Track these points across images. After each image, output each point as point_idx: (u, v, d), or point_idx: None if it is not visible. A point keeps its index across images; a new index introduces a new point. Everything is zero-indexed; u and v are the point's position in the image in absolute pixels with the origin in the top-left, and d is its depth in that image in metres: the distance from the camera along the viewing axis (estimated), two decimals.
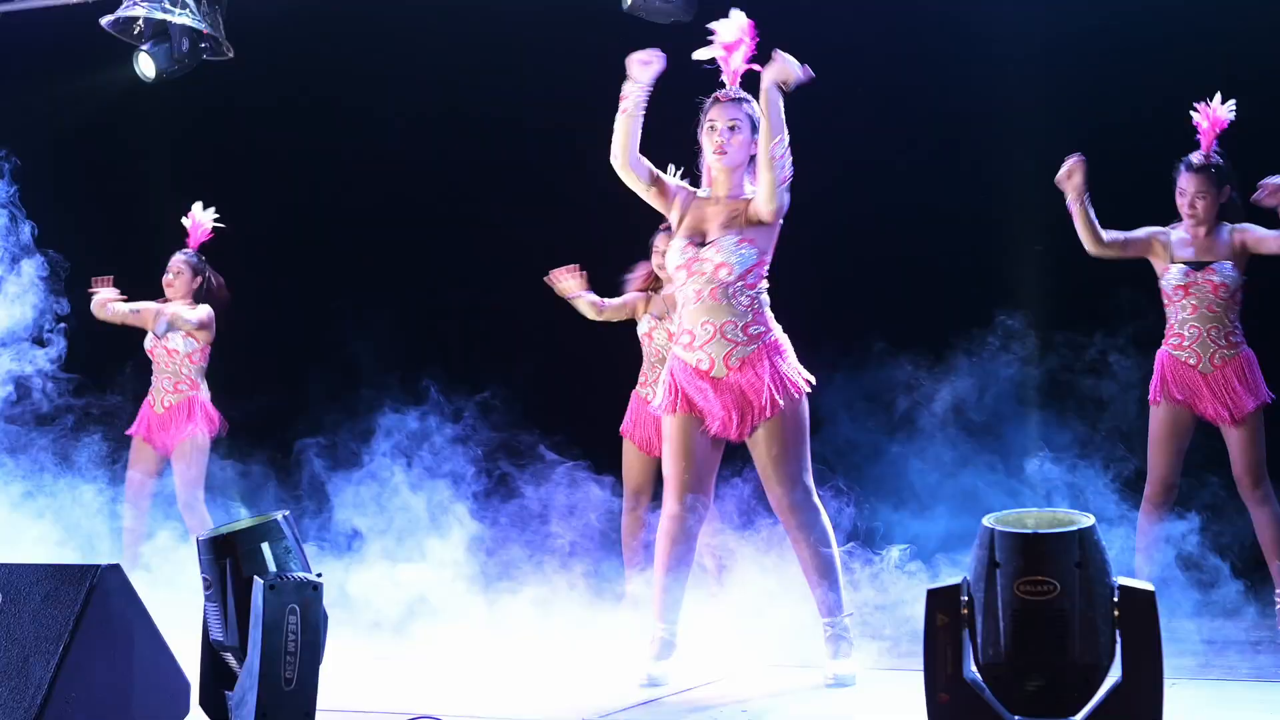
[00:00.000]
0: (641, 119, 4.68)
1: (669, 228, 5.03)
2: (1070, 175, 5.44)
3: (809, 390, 4.73)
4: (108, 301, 7.02)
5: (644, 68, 4.65)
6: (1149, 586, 3.15)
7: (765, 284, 4.74)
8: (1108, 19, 6.85)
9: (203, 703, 3.77)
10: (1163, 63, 6.59)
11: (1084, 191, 5.46)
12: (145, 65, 7.50)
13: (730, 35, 4.80)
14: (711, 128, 4.73)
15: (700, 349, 4.66)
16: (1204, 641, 5.54)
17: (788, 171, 4.62)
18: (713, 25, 4.83)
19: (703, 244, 4.67)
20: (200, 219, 7.12)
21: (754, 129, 4.71)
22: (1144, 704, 3.11)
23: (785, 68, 4.57)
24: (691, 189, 4.83)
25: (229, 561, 3.62)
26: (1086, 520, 3.24)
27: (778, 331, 4.73)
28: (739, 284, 4.64)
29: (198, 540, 3.74)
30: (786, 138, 4.59)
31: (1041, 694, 3.18)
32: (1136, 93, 6.70)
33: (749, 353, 4.64)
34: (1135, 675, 3.11)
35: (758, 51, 4.80)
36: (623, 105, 4.68)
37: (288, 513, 3.77)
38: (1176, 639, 5.53)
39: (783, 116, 4.59)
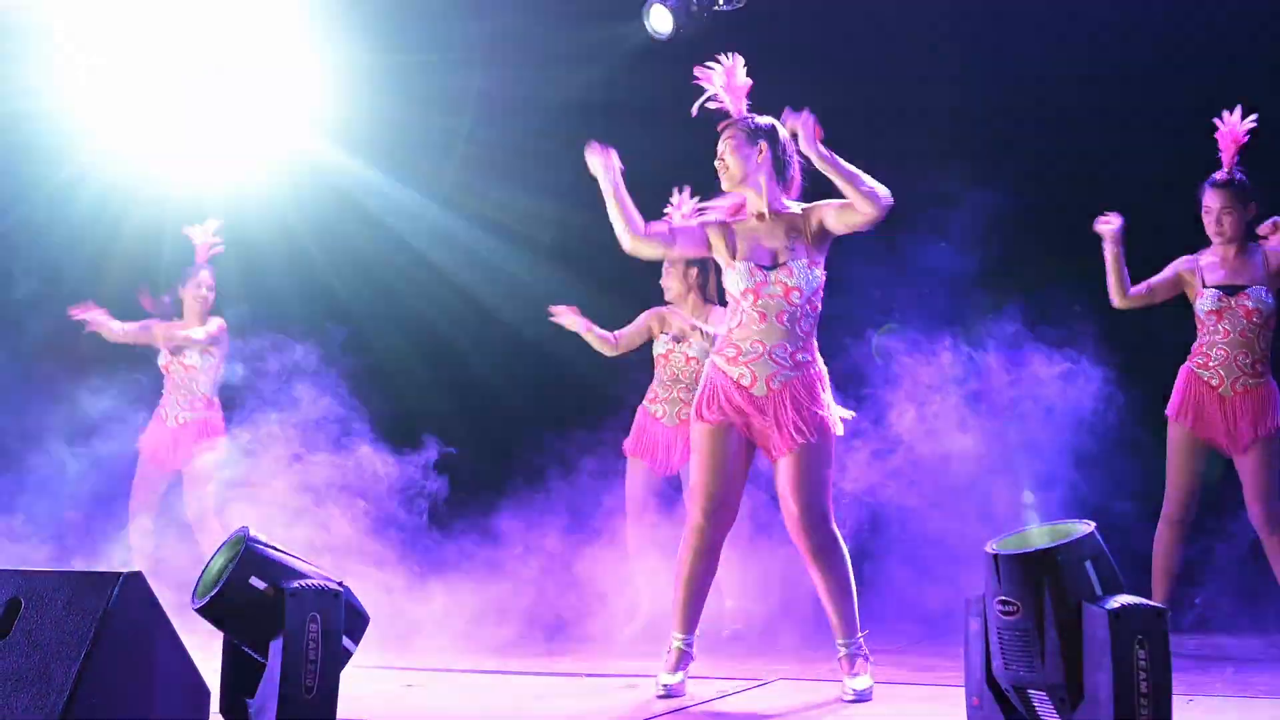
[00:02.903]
0: (626, 195, 4.65)
1: None
2: (1108, 222, 5.46)
3: (841, 429, 4.72)
4: (108, 324, 6.99)
5: (595, 165, 4.63)
6: (1110, 607, 3.08)
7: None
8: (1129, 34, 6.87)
9: (223, 709, 3.78)
10: (1185, 78, 6.60)
11: (1120, 243, 5.50)
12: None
13: (720, 81, 4.79)
14: (718, 156, 4.75)
15: (744, 364, 4.65)
16: (1222, 657, 5.55)
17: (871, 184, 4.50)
18: (699, 77, 4.81)
19: (772, 265, 4.64)
20: (203, 237, 7.10)
21: (752, 139, 4.69)
22: None
23: (795, 125, 4.50)
24: (722, 220, 4.77)
25: (235, 618, 3.63)
26: (1064, 536, 3.22)
27: (820, 363, 4.72)
28: (806, 307, 4.64)
29: (196, 612, 3.74)
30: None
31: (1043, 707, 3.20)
32: (1158, 108, 6.73)
33: (791, 378, 4.63)
34: (1096, 697, 3.08)
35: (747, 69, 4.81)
36: (604, 191, 4.65)
37: (247, 528, 3.72)
38: (1192, 655, 5.54)
39: (844, 166, 4.48)
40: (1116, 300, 5.63)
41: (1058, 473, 6.17)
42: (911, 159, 6.46)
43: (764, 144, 4.70)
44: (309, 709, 3.51)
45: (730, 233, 4.73)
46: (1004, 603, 3.18)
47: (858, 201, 4.50)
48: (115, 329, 7.02)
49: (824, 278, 4.69)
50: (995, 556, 3.21)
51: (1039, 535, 3.28)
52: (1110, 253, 5.57)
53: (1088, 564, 3.15)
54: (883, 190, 4.50)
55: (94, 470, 7.05)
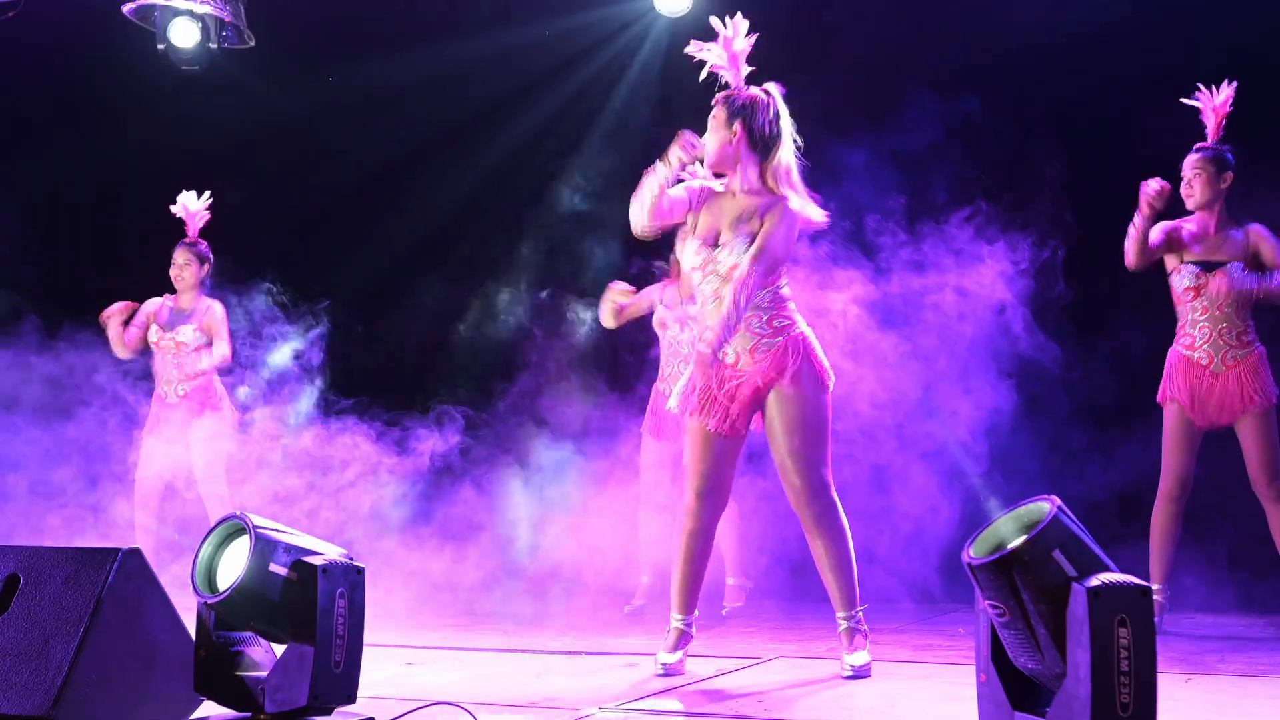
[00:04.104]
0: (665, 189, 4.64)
1: None
2: (1161, 194, 5.36)
3: (830, 387, 4.71)
4: (111, 319, 6.91)
5: (681, 159, 4.58)
6: (1090, 585, 3.02)
7: (784, 279, 4.72)
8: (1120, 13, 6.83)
9: (199, 687, 3.69)
10: (1178, 53, 6.58)
11: (1158, 212, 5.42)
12: (182, 35, 7.39)
13: (717, 53, 4.75)
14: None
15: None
16: (1221, 637, 5.55)
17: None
18: (695, 50, 4.78)
19: (715, 244, 4.65)
20: (194, 208, 6.97)
21: (730, 119, 4.64)
22: (1078, 705, 3.02)
23: None
24: (709, 186, 4.78)
25: (255, 606, 3.57)
26: (1029, 523, 3.17)
27: (803, 324, 4.70)
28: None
29: (211, 606, 3.65)
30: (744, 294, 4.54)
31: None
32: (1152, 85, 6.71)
33: (774, 345, 4.63)
34: (1076, 675, 3.04)
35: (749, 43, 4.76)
36: (653, 171, 4.60)
37: (245, 515, 3.64)
38: (1192, 634, 5.55)
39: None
40: (1135, 260, 5.49)
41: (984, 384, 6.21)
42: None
43: (739, 124, 4.66)
44: (338, 684, 3.52)
45: (701, 203, 4.73)
46: (993, 606, 3.17)
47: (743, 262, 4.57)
48: (126, 339, 6.93)
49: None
50: (969, 566, 3.17)
51: (1007, 526, 3.22)
52: (1146, 218, 5.43)
53: (1056, 552, 3.06)
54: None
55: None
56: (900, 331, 6.18)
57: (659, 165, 4.59)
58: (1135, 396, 6.24)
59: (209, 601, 3.60)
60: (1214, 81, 5.53)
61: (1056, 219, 6.39)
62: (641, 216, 4.64)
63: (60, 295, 7.63)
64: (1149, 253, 5.48)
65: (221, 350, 6.82)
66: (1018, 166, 6.62)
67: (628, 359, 7.18)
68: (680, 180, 4.73)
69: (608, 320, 6.57)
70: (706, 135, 4.69)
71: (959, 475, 6.51)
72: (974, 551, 3.22)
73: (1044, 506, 3.17)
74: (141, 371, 7.07)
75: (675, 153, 4.57)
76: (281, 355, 6.94)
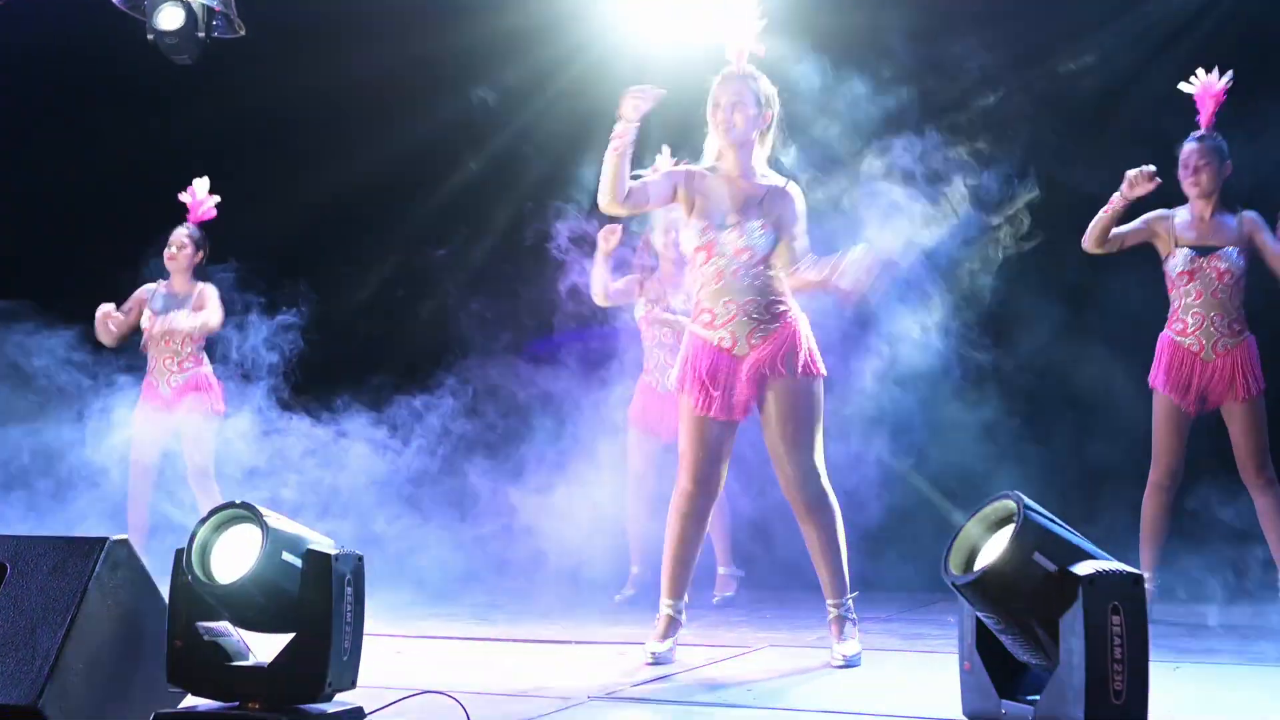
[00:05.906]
0: (630, 156, 4.54)
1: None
2: (1148, 180, 5.37)
3: (822, 375, 4.70)
4: (107, 317, 6.77)
5: (637, 107, 4.50)
6: (1084, 573, 3.02)
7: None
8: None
9: (172, 678, 3.64)
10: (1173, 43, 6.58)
11: (1129, 202, 5.43)
12: (171, 23, 7.35)
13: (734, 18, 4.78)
14: (716, 105, 4.69)
15: (721, 327, 4.64)
16: (1209, 625, 5.56)
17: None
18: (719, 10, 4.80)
19: (722, 225, 4.65)
20: (201, 195, 6.93)
21: (759, 104, 4.68)
22: (1071, 693, 3.02)
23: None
24: (691, 168, 4.75)
25: (264, 596, 3.49)
26: (998, 522, 3.15)
27: (797, 310, 4.71)
28: (760, 266, 4.63)
29: (219, 596, 3.59)
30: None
31: None
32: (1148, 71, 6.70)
33: (772, 330, 4.63)
34: (1070, 663, 3.04)
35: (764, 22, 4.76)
36: (614, 144, 4.50)
37: (250, 502, 3.56)
38: (1181, 622, 5.56)
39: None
40: (1092, 245, 5.53)
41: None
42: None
43: (769, 112, 4.70)
44: (345, 670, 3.52)
45: (693, 186, 4.70)
46: (986, 615, 3.17)
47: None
48: (111, 324, 6.79)
49: (779, 240, 4.65)
50: (954, 585, 3.16)
51: (975, 529, 3.21)
52: (1121, 204, 5.45)
53: (1036, 556, 3.07)
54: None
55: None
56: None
57: (616, 132, 4.50)
58: (1113, 374, 6.23)
59: (217, 590, 3.56)
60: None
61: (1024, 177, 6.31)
62: (606, 199, 4.57)
63: (30, 282, 7.59)
64: (1112, 241, 5.50)
65: (205, 317, 6.74)
66: (985, 129, 6.57)
67: (626, 346, 7.15)
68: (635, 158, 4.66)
69: (598, 292, 6.45)
70: (734, 114, 4.64)
71: (907, 454, 6.51)
72: (953, 567, 3.21)
73: (1009, 504, 3.16)
74: (126, 364, 7.02)
75: (630, 108, 4.50)
76: (264, 342, 6.91)
